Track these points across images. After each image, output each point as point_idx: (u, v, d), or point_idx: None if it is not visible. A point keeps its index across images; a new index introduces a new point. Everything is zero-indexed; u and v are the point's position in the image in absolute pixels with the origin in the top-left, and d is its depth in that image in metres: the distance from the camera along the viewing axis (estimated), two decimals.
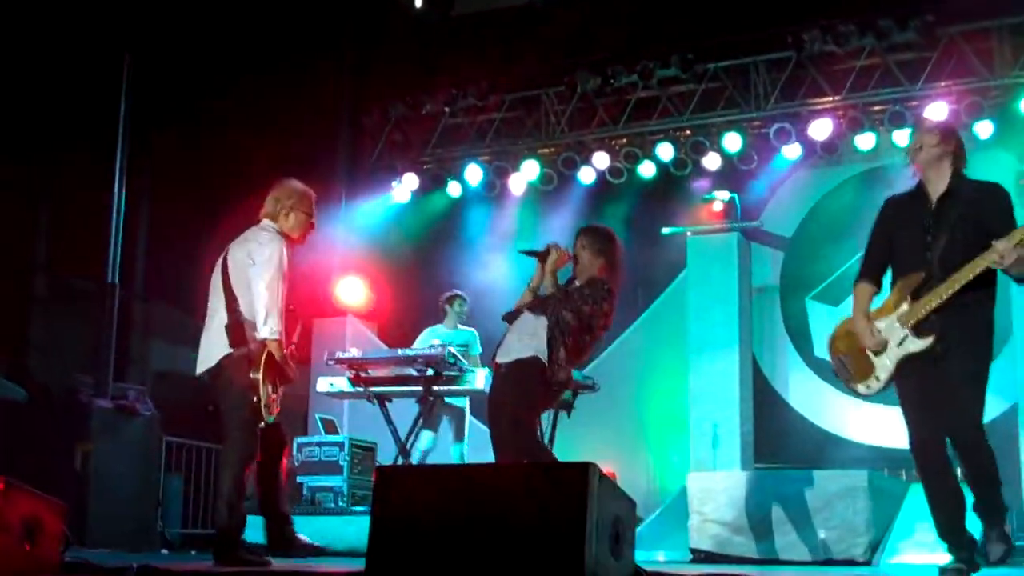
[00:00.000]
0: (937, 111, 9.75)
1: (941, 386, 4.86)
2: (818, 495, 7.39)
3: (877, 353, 5.05)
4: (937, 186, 5.01)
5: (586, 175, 11.34)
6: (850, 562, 7.30)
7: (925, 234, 4.93)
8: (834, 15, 10.09)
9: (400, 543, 3.76)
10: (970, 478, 4.96)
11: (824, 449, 10.22)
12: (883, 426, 10.21)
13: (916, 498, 8.03)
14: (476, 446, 9.51)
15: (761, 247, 11.25)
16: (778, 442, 10.52)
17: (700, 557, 7.64)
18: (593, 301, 5.90)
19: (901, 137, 10.03)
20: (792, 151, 10.61)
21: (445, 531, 3.72)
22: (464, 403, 9.19)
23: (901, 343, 4.97)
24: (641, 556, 4.08)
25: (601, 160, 11.18)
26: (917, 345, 4.91)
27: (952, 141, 5.09)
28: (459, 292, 9.57)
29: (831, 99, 10.39)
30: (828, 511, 7.40)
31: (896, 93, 10.10)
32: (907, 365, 4.97)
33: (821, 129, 10.33)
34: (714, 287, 10.87)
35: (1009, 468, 8.92)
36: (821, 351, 10.81)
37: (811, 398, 10.74)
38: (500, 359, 5.97)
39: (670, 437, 10.92)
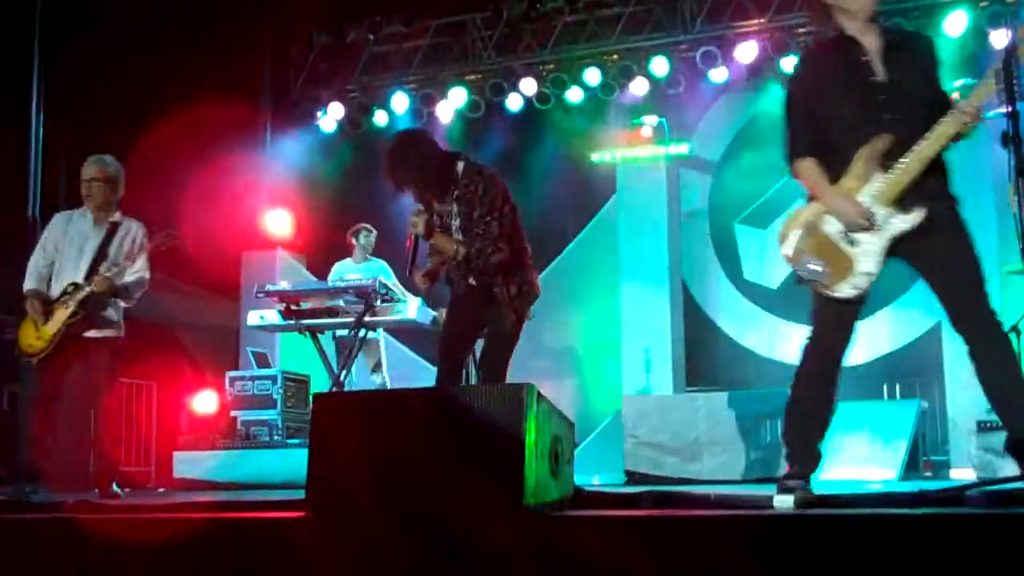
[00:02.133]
0: None
1: (943, 264, 4.13)
2: (748, 415, 7.52)
3: (854, 242, 4.18)
4: (867, 37, 4.26)
5: (514, 102, 11.24)
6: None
7: (876, 94, 4.16)
8: None
9: (340, 471, 3.74)
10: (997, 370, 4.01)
11: (754, 370, 10.36)
12: None
13: (845, 415, 8.22)
14: (397, 375, 9.51)
15: (690, 172, 11.29)
16: (709, 365, 10.65)
17: (635, 479, 7.75)
18: (477, 182, 5.60)
19: None
20: (719, 75, 10.60)
21: (385, 457, 3.70)
22: (379, 334, 9.16)
23: (884, 225, 4.13)
24: (577, 480, 4.10)
25: (528, 86, 11.08)
26: (907, 222, 4.10)
27: None
28: (364, 224, 9.50)
29: (756, 22, 10.38)
30: (758, 431, 7.55)
31: None
32: (895, 248, 4.14)
33: (747, 52, 10.32)
34: (644, 212, 10.92)
35: (936, 386, 9.14)
36: (751, 274, 10.93)
37: (740, 321, 10.87)
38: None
39: (603, 361, 11.01)
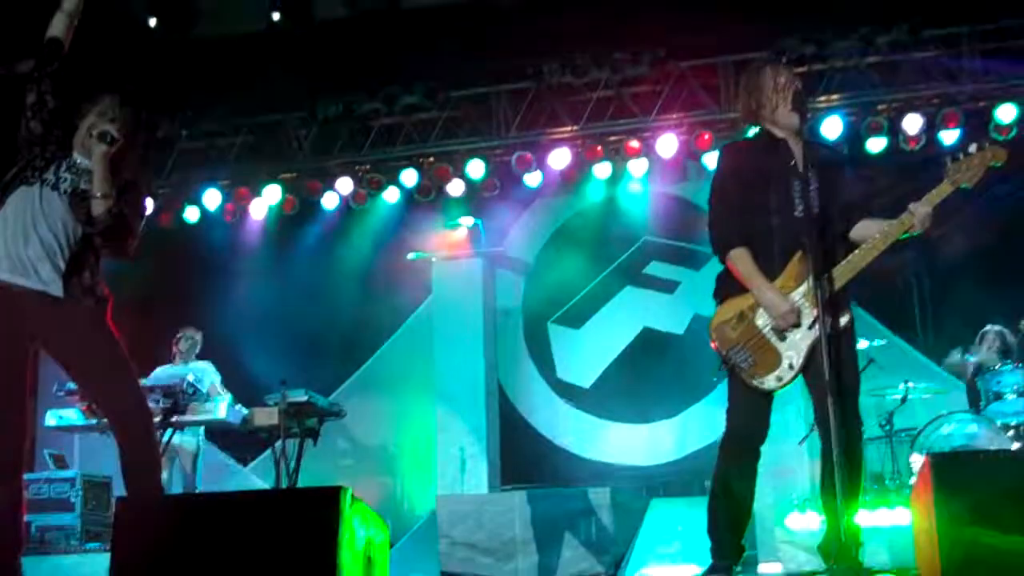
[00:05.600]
0: (668, 143, 10.14)
1: (843, 371, 4.28)
2: (563, 513, 7.56)
3: (783, 337, 4.38)
4: (793, 143, 4.51)
5: (329, 200, 11.16)
6: None
7: (800, 197, 4.38)
8: (572, 48, 10.36)
9: None
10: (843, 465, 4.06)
11: (568, 469, 10.46)
12: (624, 444, 10.56)
13: (656, 513, 8.36)
14: (208, 476, 9.24)
15: (505, 272, 11.45)
16: (524, 463, 10.70)
17: None
18: None
19: (636, 167, 10.41)
20: (533, 179, 10.79)
21: (192, 564, 3.56)
22: (197, 440, 8.93)
23: (813, 324, 4.29)
24: None
25: (345, 185, 11.04)
26: (832, 327, 4.25)
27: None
28: (184, 332, 9.32)
29: (569, 129, 10.62)
30: (573, 529, 7.58)
31: (630, 124, 10.44)
32: (816, 350, 4.26)
33: (560, 158, 10.55)
34: (459, 312, 10.99)
35: None
36: (563, 373, 11.09)
37: (554, 419, 10.98)
38: None
39: (418, 460, 10.92)
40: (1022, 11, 9.39)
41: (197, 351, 9.30)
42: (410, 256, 11.24)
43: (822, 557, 4.56)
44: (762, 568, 7.89)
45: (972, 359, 8.75)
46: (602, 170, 10.63)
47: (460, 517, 7.80)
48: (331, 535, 3.52)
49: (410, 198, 11.12)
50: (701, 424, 10.16)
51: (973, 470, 3.66)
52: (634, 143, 10.33)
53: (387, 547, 4.09)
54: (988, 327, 8.72)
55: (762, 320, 4.44)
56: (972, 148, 4.48)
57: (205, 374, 8.93)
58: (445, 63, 10.72)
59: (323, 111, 10.96)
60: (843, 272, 4.39)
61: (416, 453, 10.97)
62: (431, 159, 11.02)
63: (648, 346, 10.84)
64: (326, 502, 3.62)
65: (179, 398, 7.83)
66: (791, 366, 4.37)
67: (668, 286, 11.01)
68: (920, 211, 4.36)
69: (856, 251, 4.42)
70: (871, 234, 4.47)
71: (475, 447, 10.51)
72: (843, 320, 4.38)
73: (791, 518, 7.48)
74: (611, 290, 11.15)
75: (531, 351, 11.26)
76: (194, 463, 8.95)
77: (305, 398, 7.75)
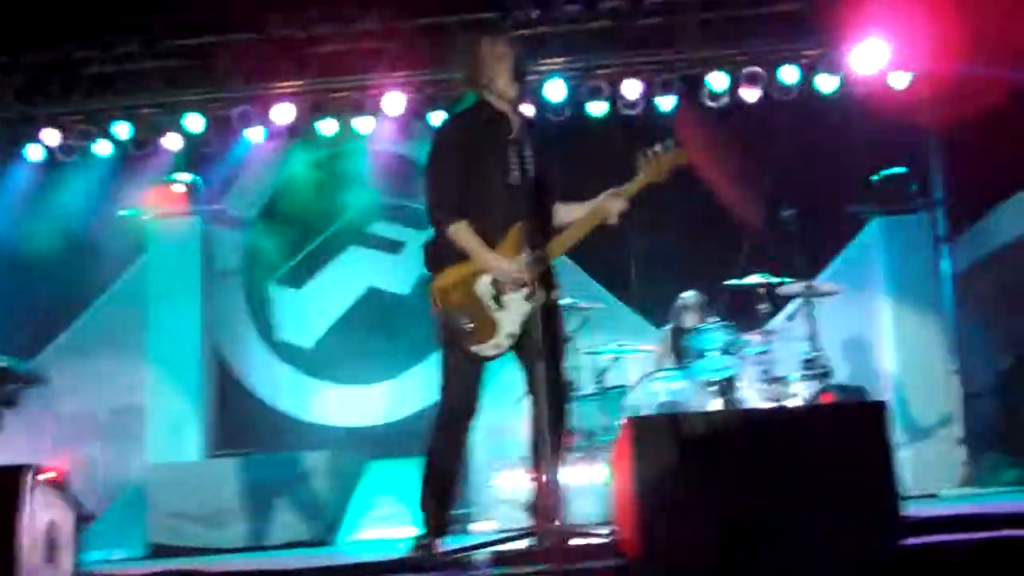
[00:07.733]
0: (395, 101, 10.08)
1: (555, 342, 4.52)
2: (278, 479, 7.49)
3: (501, 305, 4.50)
4: (513, 116, 4.64)
5: (34, 152, 10.50)
6: (312, 543, 7.44)
7: (516, 170, 4.48)
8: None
9: None
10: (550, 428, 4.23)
11: (287, 432, 10.28)
12: (345, 406, 10.49)
13: (372, 475, 8.38)
14: None
15: (224, 231, 11.10)
16: (242, 428, 10.41)
17: (161, 551, 7.43)
18: None
19: (362, 124, 10.30)
20: (255, 134, 10.49)
21: None
22: None
23: (530, 296, 4.36)
24: (97, 555, 3.86)
25: (51, 137, 10.41)
26: (545, 300, 4.42)
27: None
28: None
29: (294, 83, 10.39)
30: (288, 494, 7.52)
31: (357, 80, 10.29)
32: (530, 319, 4.37)
33: (284, 113, 10.30)
34: (175, 272, 10.56)
35: None
36: (284, 334, 10.89)
37: (273, 382, 10.78)
38: None
39: (128, 429, 10.46)
40: None
41: None
42: (121, 213, 10.71)
43: (530, 515, 4.71)
44: (474, 527, 8.05)
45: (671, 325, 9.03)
46: (327, 126, 10.44)
47: (171, 486, 7.61)
48: (8, 519, 3.33)
49: (124, 152, 10.61)
50: (423, 384, 10.21)
51: (665, 429, 3.81)
52: (360, 100, 10.23)
53: (80, 525, 3.90)
54: (685, 295, 8.98)
55: (482, 288, 4.55)
56: (658, 147, 4.72)
57: None
58: (163, 10, 10.26)
59: (30, 57, 10.31)
60: (556, 248, 4.63)
61: (127, 420, 10.50)
62: (146, 111, 10.55)
63: (373, 306, 10.79)
64: (5, 484, 3.42)
65: None
66: (509, 335, 4.51)
67: (394, 246, 10.99)
68: (615, 205, 4.66)
69: (555, 238, 4.64)
70: (566, 220, 4.74)
71: (188, 412, 10.14)
72: (554, 294, 4.59)
73: (504, 477, 7.63)
74: (335, 249, 11.03)
75: (251, 312, 10.99)
76: None
77: (2, 364, 7.36)
